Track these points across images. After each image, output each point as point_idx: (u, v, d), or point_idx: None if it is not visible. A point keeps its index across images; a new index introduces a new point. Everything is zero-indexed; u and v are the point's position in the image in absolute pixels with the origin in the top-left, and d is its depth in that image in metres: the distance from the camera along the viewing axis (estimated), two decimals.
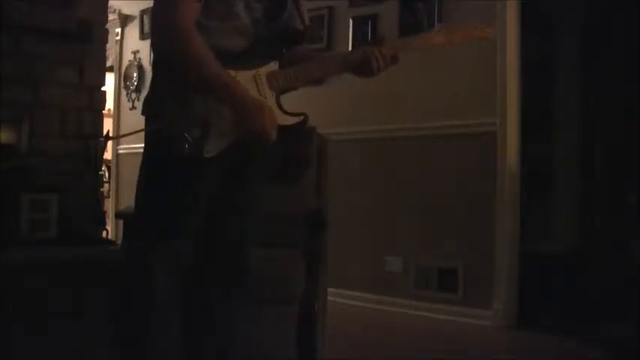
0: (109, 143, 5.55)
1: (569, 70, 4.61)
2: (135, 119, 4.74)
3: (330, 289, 2.85)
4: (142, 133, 1.71)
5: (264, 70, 1.66)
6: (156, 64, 1.70)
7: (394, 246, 4.01)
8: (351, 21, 4.29)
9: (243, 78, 1.62)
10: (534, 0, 3.86)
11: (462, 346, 3.25)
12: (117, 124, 5.76)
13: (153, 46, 1.69)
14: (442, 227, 3.82)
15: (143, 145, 1.72)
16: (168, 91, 1.60)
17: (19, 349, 2.21)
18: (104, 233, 3.20)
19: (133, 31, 5.72)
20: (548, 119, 4.63)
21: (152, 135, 1.67)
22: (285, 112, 1.69)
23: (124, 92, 5.74)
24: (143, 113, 1.66)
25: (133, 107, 5.56)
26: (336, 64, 1.78)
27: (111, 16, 3.59)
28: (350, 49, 4.26)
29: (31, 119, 3.09)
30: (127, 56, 5.74)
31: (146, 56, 5.41)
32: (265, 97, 1.65)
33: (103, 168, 3.71)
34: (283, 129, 1.68)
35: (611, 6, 4.21)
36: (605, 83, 4.40)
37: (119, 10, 5.58)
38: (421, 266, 3.89)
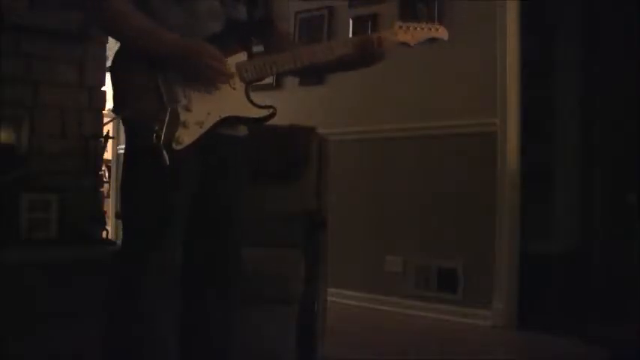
0: (109, 143, 5.54)
1: (569, 70, 4.61)
2: None
3: (330, 289, 2.85)
4: None
5: (232, 61, 1.64)
6: (115, 56, 1.65)
7: (394, 246, 4.01)
8: (350, 21, 4.29)
9: None
10: (534, 0, 3.86)
11: (462, 346, 3.25)
12: (117, 124, 5.75)
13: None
14: (442, 227, 3.82)
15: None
16: (129, 80, 1.56)
17: (18, 349, 2.21)
18: (104, 233, 3.21)
19: None
20: (548, 119, 4.63)
21: (125, 128, 1.63)
22: (254, 105, 1.66)
23: None
24: (113, 110, 1.61)
25: None
26: (304, 57, 1.69)
27: None
28: None
29: (31, 119, 3.09)
30: None
31: None
32: (235, 88, 1.63)
33: (103, 168, 3.71)
34: (252, 121, 1.67)
35: (611, 6, 4.21)
36: (605, 83, 4.40)
37: None
38: (421, 266, 3.89)
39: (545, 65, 4.55)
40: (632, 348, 2.97)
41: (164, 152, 1.50)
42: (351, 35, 4.27)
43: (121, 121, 1.61)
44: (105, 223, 3.26)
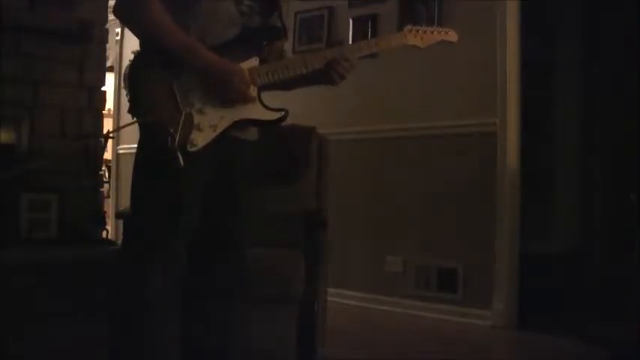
0: (109, 143, 5.55)
1: (569, 70, 4.61)
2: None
3: (330, 289, 2.85)
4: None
5: (245, 66, 1.67)
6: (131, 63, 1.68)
7: (394, 246, 4.01)
8: (350, 21, 4.29)
9: None
10: (534, 0, 3.86)
11: (462, 346, 3.25)
12: (117, 124, 5.76)
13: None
14: (442, 227, 3.81)
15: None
16: (146, 86, 1.60)
17: (18, 349, 2.21)
18: (104, 233, 3.21)
19: None
20: (548, 119, 4.63)
21: (141, 129, 1.66)
22: (267, 108, 1.70)
23: (124, 92, 5.70)
24: (129, 111, 1.64)
25: None
26: (315, 61, 1.74)
27: (111, 16, 3.59)
28: None
29: (31, 119, 3.09)
30: (127, 56, 5.74)
31: None
32: None
33: (103, 168, 3.71)
34: (264, 124, 1.72)
35: (611, 5, 4.21)
36: (605, 83, 4.40)
37: None
38: (421, 266, 3.89)
39: (545, 65, 4.55)
40: (632, 348, 2.97)
41: (179, 154, 1.53)
42: (350, 35, 4.28)
43: (137, 125, 1.64)
44: (105, 223, 3.26)
